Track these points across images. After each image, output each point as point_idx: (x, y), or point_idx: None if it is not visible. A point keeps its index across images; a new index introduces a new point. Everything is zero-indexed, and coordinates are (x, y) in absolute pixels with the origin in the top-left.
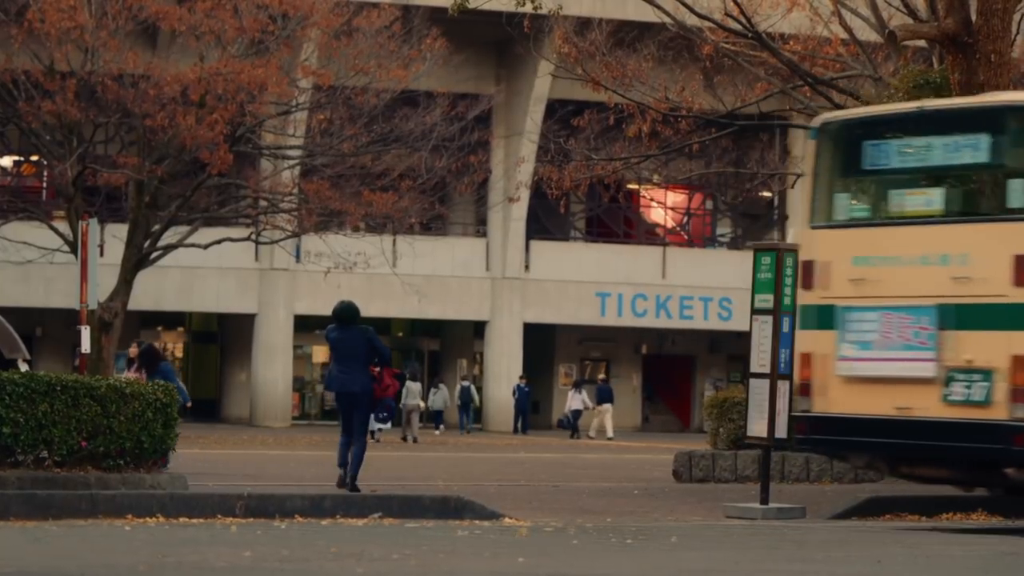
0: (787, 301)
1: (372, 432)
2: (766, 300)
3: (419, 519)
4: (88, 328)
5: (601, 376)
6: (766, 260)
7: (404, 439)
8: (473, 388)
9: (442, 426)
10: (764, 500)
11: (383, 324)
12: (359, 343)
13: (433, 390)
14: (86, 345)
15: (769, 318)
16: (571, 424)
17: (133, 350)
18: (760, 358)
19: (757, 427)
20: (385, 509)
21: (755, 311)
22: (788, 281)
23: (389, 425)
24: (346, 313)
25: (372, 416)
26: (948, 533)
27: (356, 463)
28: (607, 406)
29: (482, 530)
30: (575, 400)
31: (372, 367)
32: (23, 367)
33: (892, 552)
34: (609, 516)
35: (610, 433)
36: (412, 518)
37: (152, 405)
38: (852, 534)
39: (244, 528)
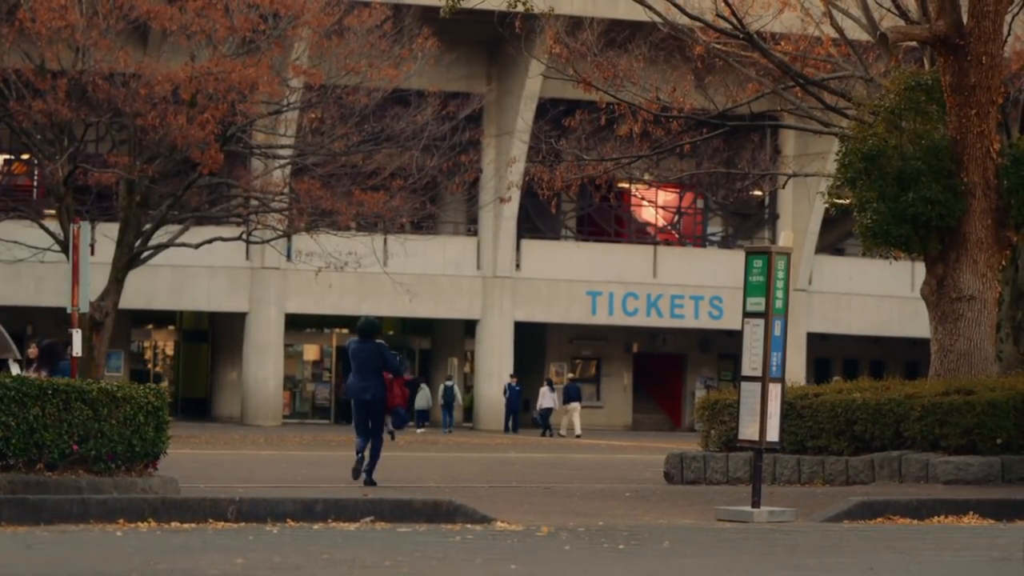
0: (779, 304)
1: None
2: (758, 303)
3: (411, 523)
4: (79, 331)
5: (570, 375)
6: (758, 263)
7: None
8: (456, 388)
9: (422, 427)
10: (756, 503)
11: None
12: (374, 356)
13: (418, 389)
14: (77, 348)
15: (761, 321)
16: (543, 423)
17: (33, 351)
18: (752, 361)
19: (749, 430)
20: (377, 513)
21: (747, 314)
22: (780, 284)
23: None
24: (366, 328)
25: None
26: (940, 537)
27: (373, 460)
28: (575, 405)
29: (474, 535)
30: (546, 398)
31: (386, 375)
32: (14, 367)
33: (884, 558)
34: (601, 519)
35: (578, 430)
36: (404, 522)
37: (143, 409)
38: (844, 538)
39: (236, 533)
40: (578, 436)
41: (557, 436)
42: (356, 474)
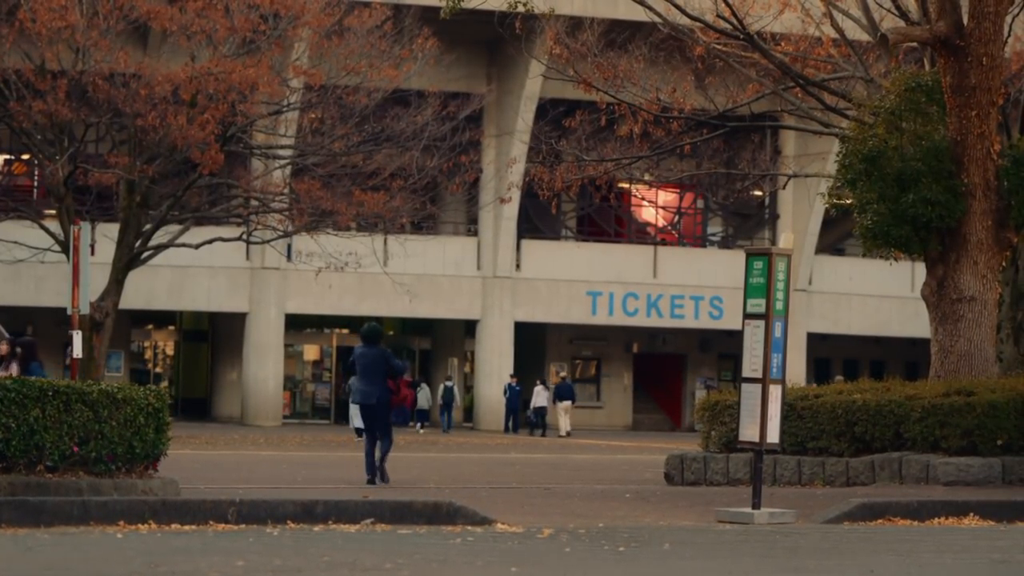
0: (779, 306)
1: (359, 431)
2: (758, 305)
3: (411, 525)
4: (80, 333)
5: (562, 375)
6: (758, 265)
7: None
8: (456, 388)
9: (423, 427)
10: (756, 505)
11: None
12: (379, 361)
13: (416, 390)
14: (78, 350)
15: (761, 323)
16: (537, 422)
17: (4, 348)
18: (752, 363)
19: (749, 431)
20: (377, 515)
21: (747, 315)
22: (780, 286)
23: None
24: (371, 334)
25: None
26: (940, 539)
27: (384, 456)
28: (566, 404)
29: (475, 537)
30: (540, 397)
31: (390, 381)
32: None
33: (884, 560)
34: (601, 520)
35: (568, 428)
36: (404, 523)
37: (144, 410)
38: (844, 540)
39: (236, 535)
40: (568, 434)
41: (556, 436)
42: (380, 477)
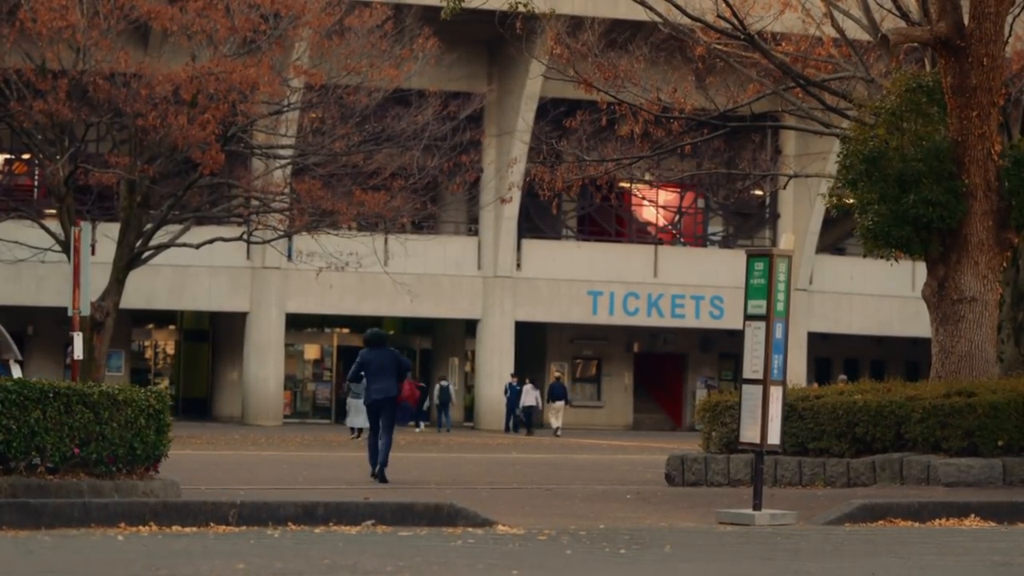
0: (780, 307)
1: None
2: (759, 306)
3: (412, 527)
4: (80, 335)
5: (557, 374)
6: (759, 266)
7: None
8: (451, 388)
9: (416, 424)
10: (757, 506)
11: (375, 323)
12: (388, 361)
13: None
14: (79, 352)
15: (762, 324)
16: (527, 421)
17: None
18: (753, 364)
19: (750, 432)
20: (378, 517)
21: (748, 317)
22: (781, 287)
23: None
24: (376, 338)
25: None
26: (941, 541)
27: (384, 457)
28: (559, 404)
29: (475, 538)
30: (529, 396)
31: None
32: (15, 368)
33: (886, 562)
34: (602, 521)
35: (556, 425)
36: (405, 525)
37: (145, 412)
38: (845, 542)
39: (237, 537)
40: (557, 434)
41: (554, 436)
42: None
